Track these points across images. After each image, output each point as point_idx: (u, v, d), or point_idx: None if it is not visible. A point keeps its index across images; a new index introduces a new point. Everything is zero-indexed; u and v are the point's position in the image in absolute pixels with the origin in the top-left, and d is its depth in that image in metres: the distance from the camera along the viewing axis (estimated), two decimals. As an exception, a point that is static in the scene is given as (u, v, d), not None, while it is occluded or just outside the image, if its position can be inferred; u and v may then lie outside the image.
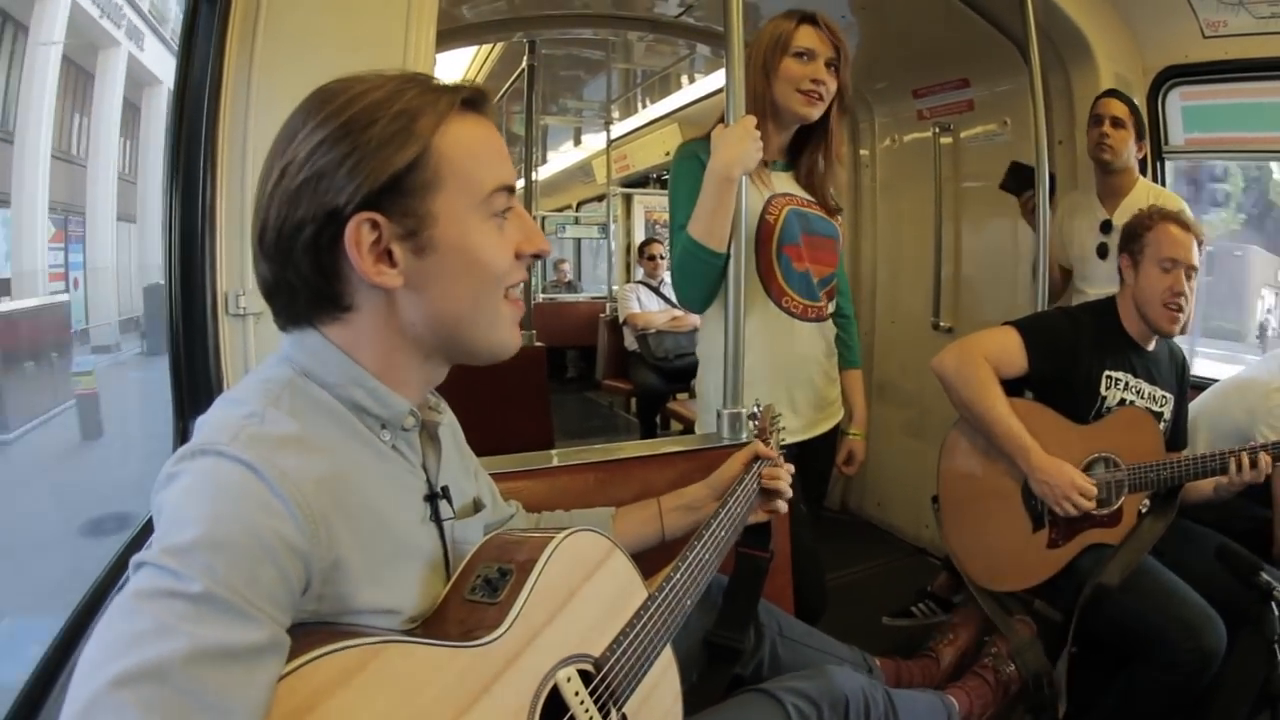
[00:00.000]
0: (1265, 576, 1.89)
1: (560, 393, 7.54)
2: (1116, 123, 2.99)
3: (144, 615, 0.74)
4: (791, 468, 1.76)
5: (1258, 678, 1.95)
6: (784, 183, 2.27)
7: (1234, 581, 1.96)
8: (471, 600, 1.05)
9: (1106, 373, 2.37)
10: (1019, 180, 3.21)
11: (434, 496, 1.11)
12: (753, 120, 2.03)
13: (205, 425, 0.92)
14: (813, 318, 2.28)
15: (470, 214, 0.99)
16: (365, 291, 0.98)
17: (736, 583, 1.70)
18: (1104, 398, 2.36)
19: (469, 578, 1.08)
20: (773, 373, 2.23)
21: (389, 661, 0.88)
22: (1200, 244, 2.36)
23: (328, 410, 0.98)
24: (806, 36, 2.14)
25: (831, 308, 2.37)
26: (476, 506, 1.26)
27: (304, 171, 0.93)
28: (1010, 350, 2.37)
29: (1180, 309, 2.31)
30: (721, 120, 2.10)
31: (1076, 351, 2.38)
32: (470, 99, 1.01)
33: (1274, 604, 1.84)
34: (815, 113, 2.16)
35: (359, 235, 0.93)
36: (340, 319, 0.99)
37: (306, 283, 0.96)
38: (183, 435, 1.81)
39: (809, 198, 2.28)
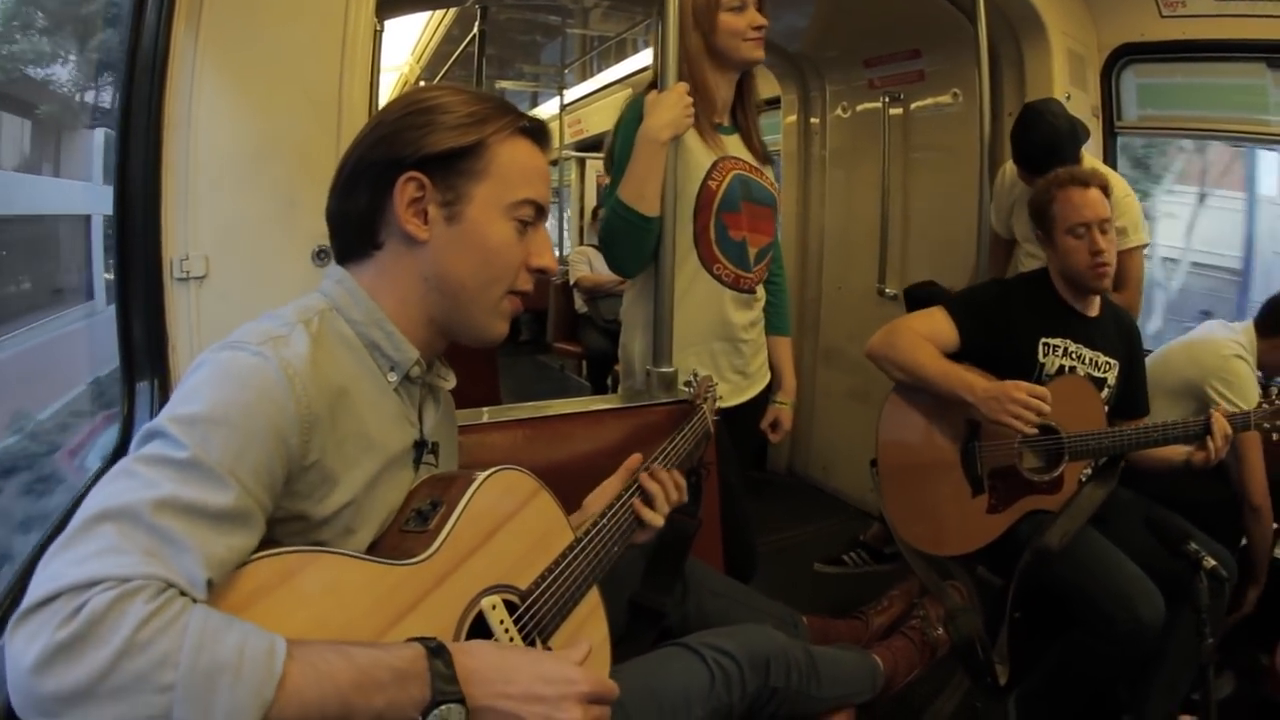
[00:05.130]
0: (1193, 546, 1.90)
1: (512, 355, 7.54)
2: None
3: (136, 474, 0.86)
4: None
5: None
6: (735, 146, 2.27)
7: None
8: (405, 531, 1.15)
9: (1043, 339, 2.37)
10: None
11: (421, 445, 1.24)
12: (685, 87, 2.07)
13: (242, 329, 1.05)
14: (744, 288, 2.28)
15: (498, 209, 1.17)
16: (395, 236, 1.16)
17: (663, 546, 1.72)
18: (1042, 365, 2.36)
19: (405, 512, 1.18)
20: (698, 338, 2.24)
21: (322, 570, 0.96)
22: (1106, 189, 2.35)
23: (347, 342, 1.14)
24: None
25: (763, 279, 2.37)
26: None
27: (388, 129, 1.15)
28: (939, 325, 2.37)
29: (1106, 264, 2.32)
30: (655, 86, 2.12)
31: (1009, 320, 2.38)
32: (532, 128, 1.22)
33: (1202, 574, 1.87)
34: (761, 53, 2.21)
35: (406, 187, 1.13)
36: (371, 256, 1.18)
37: (359, 213, 1.16)
38: (130, 398, 1.87)
39: (754, 163, 2.29)
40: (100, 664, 0.73)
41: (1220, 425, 2.21)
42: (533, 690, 0.94)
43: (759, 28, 2.16)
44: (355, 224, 1.17)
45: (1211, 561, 1.87)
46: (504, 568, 1.19)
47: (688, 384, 1.93)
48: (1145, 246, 2.92)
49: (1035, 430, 2.19)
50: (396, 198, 1.13)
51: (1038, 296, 2.44)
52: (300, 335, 1.04)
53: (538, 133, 1.23)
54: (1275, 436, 2.27)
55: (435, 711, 0.88)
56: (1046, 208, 2.38)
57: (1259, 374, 2.67)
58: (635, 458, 1.61)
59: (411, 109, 1.16)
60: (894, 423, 2.44)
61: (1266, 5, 3.08)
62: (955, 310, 2.39)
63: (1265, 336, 2.72)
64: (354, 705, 0.84)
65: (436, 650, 0.91)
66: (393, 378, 1.17)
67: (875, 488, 2.48)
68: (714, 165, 2.18)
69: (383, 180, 1.14)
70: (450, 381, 1.32)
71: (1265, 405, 2.27)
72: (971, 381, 2.23)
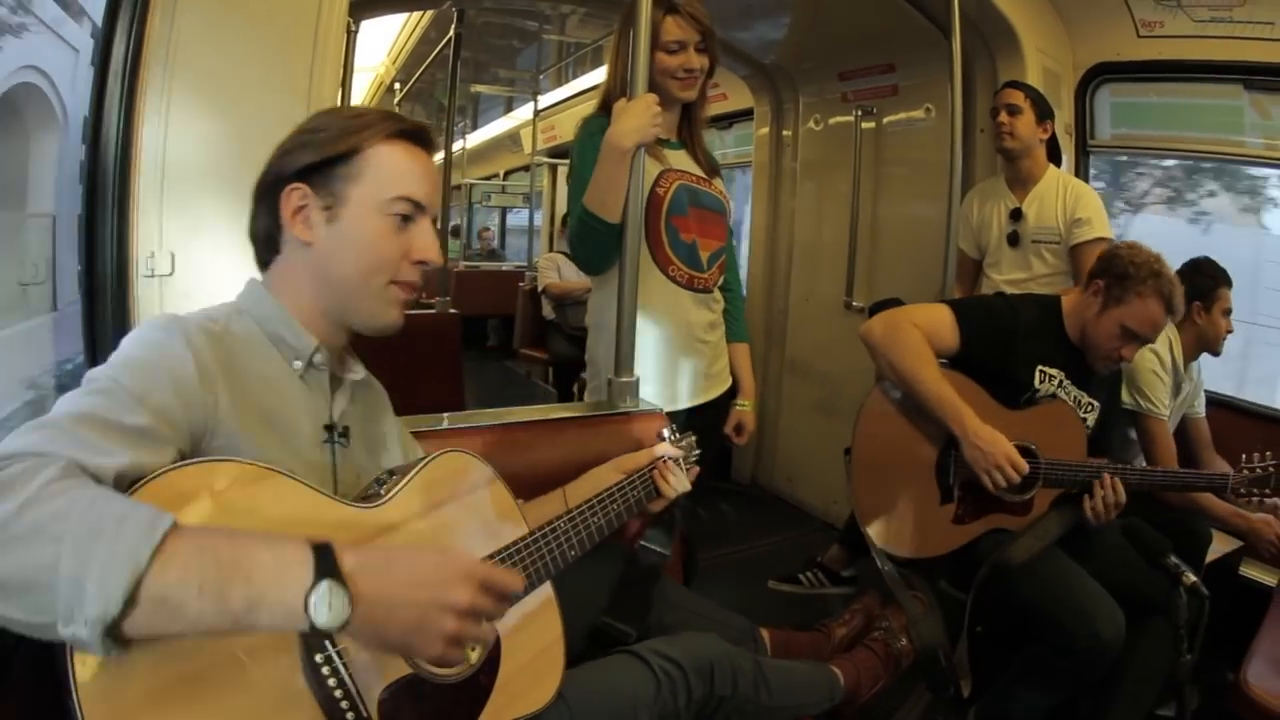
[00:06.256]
0: (1174, 560, 1.88)
1: (480, 361, 7.52)
2: (1012, 109, 3.06)
3: (66, 400, 1.01)
4: (688, 486, 1.79)
5: (1165, 665, 1.99)
6: (680, 160, 2.33)
7: (1144, 566, 1.96)
8: (364, 497, 1.26)
9: (1040, 367, 2.36)
10: None
11: (330, 427, 1.31)
12: (653, 98, 2.09)
13: None
14: (699, 288, 2.33)
15: (373, 207, 1.26)
16: (290, 241, 1.29)
17: (633, 575, 1.76)
18: (1036, 390, 2.36)
19: (367, 488, 1.30)
20: (658, 340, 2.29)
21: (280, 486, 1.07)
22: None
23: (254, 335, 1.26)
24: (672, 30, 2.20)
25: (719, 281, 2.42)
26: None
27: (278, 152, 1.30)
28: (942, 325, 2.34)
29: (1120, 365, 2.38)
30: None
31: (1013, 340, 2.36)
32: (410, 131, 1.31)
33: (1181, 588, 1.86)
34: (692, 94, 2.29)
35: (290, 198, 1.26)
36: (274, 262, 1.32)
37: (263, 224, 1.31)
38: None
39: (701, 174, 2.34)
40: (7, 512, 0.82)
41: (1107, 486, 2.23)
42: (416, 574, 0.99)
43: (689, 71, 2.23)
44: (263, 233, 1.32)
45: (1192, 577, 1.85)
46: (449, 539, 1.29)
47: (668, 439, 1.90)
48: (1106, 241, 2.93)
49: (1003, 484, 2.18)
50: (282, 205, 1.26)
51: (1045, 324, 2.42)
52: (203, 320, 1.19)
53: (416, 135, 1.32)
54: (1253, 502, 2.33)
55: (318, 588, 0.89)
56: (1130, 289, 2.28)
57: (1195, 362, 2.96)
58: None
59: (298, 132, 1.31)
60: (875, 416, 2.42)
61: (1244, 27, 3.12)
62: (962, 317, 2.36)
63: (1176, 323, 2.81)
64: (231, 581, 0.87)
65: (320, 545, 0.93)
66: (297, 365, 1.28)
67: (847, 477, 2.45)
68: (660, 175, 2.24)
69: (273, 195, 1.27)
70: (357, 373, 1.41)
71: (1245, 471, 2.28)
72: (964, 418, 2.21)
